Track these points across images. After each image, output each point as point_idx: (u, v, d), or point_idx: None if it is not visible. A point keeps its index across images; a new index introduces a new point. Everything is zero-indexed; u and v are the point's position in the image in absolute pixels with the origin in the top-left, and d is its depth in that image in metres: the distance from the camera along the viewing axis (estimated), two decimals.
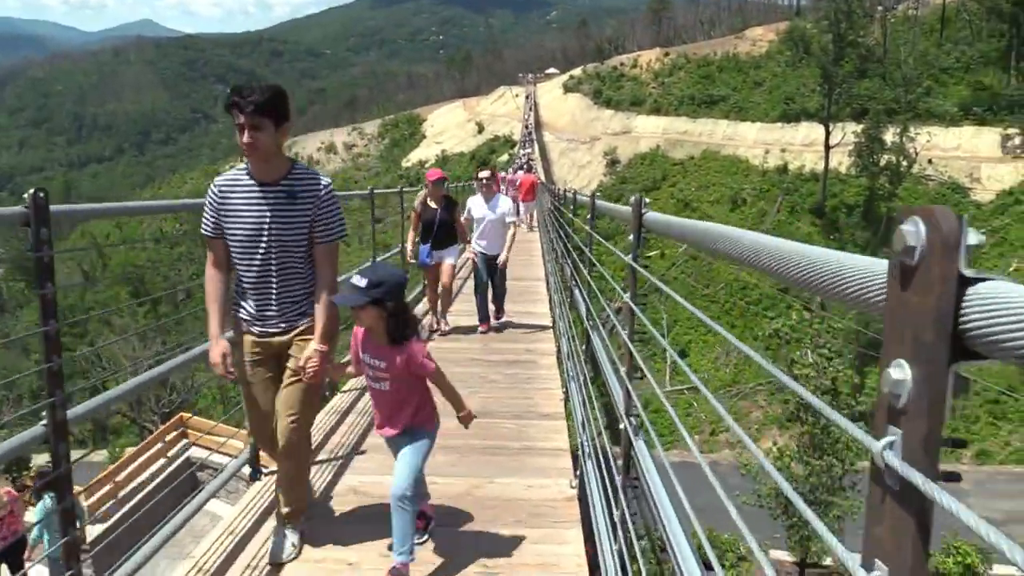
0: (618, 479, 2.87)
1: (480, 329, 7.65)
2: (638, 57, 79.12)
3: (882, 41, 52.53)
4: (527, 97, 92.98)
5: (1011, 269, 35.94)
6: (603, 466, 2.86)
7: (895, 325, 0.76)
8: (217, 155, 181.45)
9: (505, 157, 66.45)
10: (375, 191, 7.61)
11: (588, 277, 4.29)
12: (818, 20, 50.90)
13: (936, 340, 0.70)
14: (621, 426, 2.53)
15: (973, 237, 0.70)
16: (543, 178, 40.27)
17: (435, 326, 7.53)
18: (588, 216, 4.63)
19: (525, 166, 25.75)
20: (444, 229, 7.12)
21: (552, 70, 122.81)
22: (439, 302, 7.45)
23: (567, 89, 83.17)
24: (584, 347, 3.80)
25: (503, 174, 24.82)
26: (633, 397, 2.76)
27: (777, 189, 49.24)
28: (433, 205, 7.08)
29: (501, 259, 7.54)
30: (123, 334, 32.67)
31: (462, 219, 7.41)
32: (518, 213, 18.37)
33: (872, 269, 0.85)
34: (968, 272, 0.70)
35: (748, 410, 35.86)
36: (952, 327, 0.69)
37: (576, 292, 5.75)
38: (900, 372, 0.73)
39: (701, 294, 42.22)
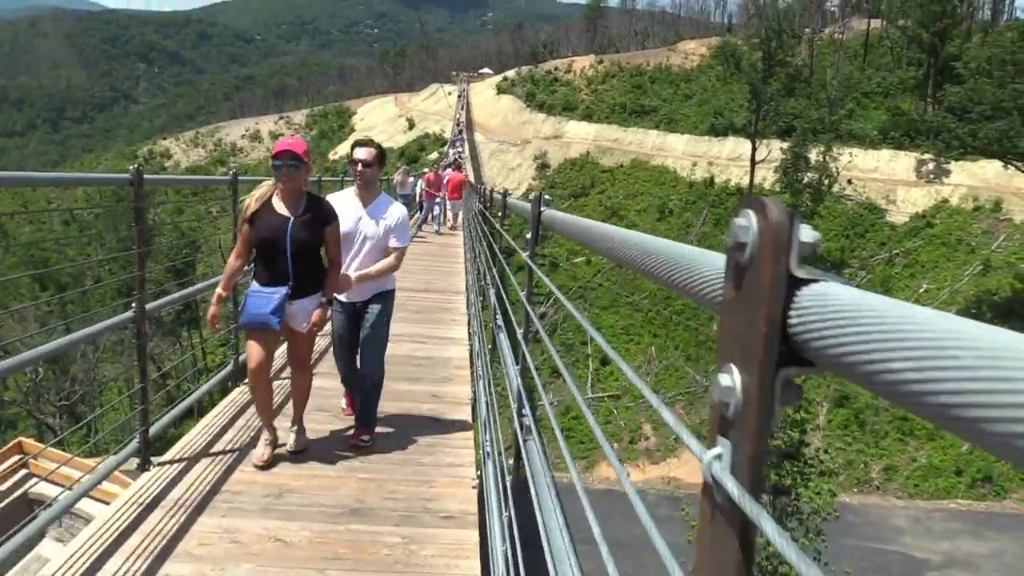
0: (508, 478, 2.67)
1: (343, 404, 4.87)
2: (572, 63, 78.87)
3: (809, 62, 53.67)
4: (460, 95, 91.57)
5: (921, 290, 36.98)
6: None
7: (727, 327, 0.69)
8: (136, 137, 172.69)
9: (435, 155, 64.96)
10: (240, 177, 5.54)
11: (518, 332, 2.92)
12: (749, 38, 51.53)
13: (765, 344, 0.63)
14: (514, 425, 2.29)
15: (806, 234, 0.64)
16: (472, 178, 39.11)
17: (287, 444, 4.09)
18: (529, 237, 3.30)
19: (454, 164, 24.53)
20: (304, 258, 3.83)
21: (486, 70, 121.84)
22: (293, 399, 4.14)
23: (500, 90, 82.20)
24: (511, 450, 2.62)
25: (441, 172, 23.42)
26: (523, 396, 2.60)
27: (703, 202, 49.56)
28: (283, 210, 3.83)
29: (353, 275, 4.21)
30: (21, 319, 29.88)
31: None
32: (414, 231, 16.13)
33: (718, 265, 0.76)
34: (800, 272, 0.63)
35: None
36: (782, 330, 0.63)
37: (501, 338, 4.53)
38: (729, 378, 0.66)
39: (626, 301, 41.88)
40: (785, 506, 11.43)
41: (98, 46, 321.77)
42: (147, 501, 3.23)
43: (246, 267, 4.06)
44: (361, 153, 4.28)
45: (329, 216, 3.90)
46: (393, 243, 4.35)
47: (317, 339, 4.14)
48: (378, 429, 4.49)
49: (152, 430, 3.76)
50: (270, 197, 3.85)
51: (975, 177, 40.84)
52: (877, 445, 29.27)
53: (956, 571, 16.95)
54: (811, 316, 0.60)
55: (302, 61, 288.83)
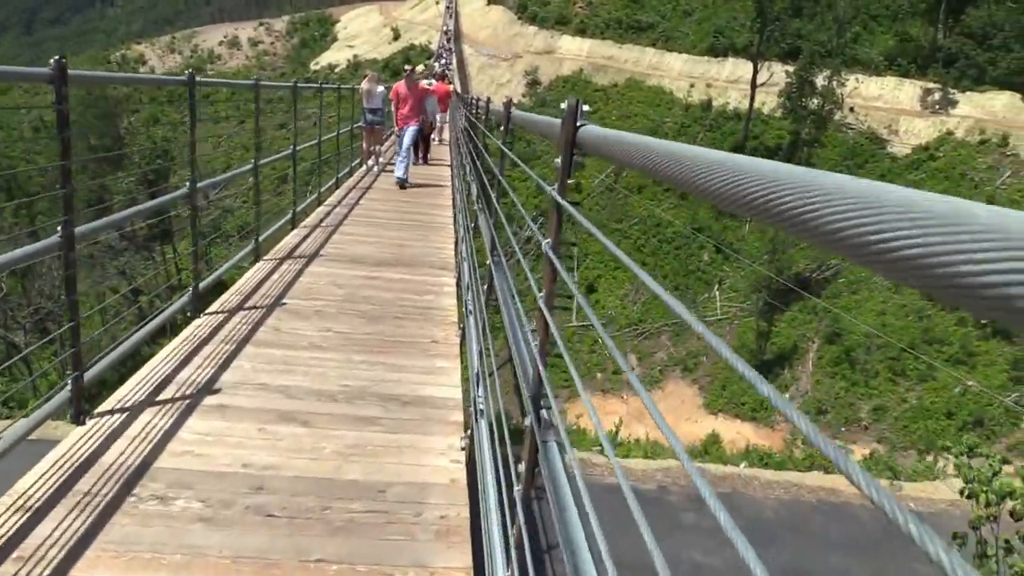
0: (517, 490, 2.04)
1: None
2: None
3: None
4: (448, 5, 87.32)
5: None
6: None
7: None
8: (112, 41, 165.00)
9: (420, 68, 62.01)
10: (261, 83, 5.38)
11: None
12: None
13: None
14: (527, 420, 1.81)
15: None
16: (459, 90, 37.03)
17: None
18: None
19: (439, 74, 22.71)
20: None
21: None
22: None
23: (490, 0, 78.27)
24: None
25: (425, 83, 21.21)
26: (545, 382, 1.92)
27: (699, 125, 47.82)
28: None
29: None
30: None
31: None
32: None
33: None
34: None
35: (653, 350, 35.07)
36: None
37: (481, 220, 3.57)
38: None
39: (614, 228, 40.65)
40: None
41: None
42: (79, 462, 2.62)
43: None
44: None
45: None
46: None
47: None
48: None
49: (89, 375, 2.99)
50: None
51: (982, 109, 39.38)
52: (867, 384, 28.80)
53: None
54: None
55: None
